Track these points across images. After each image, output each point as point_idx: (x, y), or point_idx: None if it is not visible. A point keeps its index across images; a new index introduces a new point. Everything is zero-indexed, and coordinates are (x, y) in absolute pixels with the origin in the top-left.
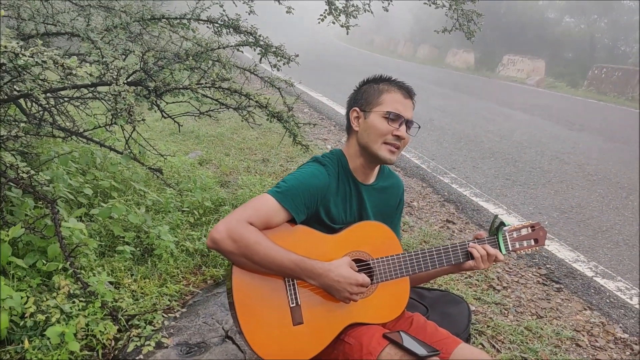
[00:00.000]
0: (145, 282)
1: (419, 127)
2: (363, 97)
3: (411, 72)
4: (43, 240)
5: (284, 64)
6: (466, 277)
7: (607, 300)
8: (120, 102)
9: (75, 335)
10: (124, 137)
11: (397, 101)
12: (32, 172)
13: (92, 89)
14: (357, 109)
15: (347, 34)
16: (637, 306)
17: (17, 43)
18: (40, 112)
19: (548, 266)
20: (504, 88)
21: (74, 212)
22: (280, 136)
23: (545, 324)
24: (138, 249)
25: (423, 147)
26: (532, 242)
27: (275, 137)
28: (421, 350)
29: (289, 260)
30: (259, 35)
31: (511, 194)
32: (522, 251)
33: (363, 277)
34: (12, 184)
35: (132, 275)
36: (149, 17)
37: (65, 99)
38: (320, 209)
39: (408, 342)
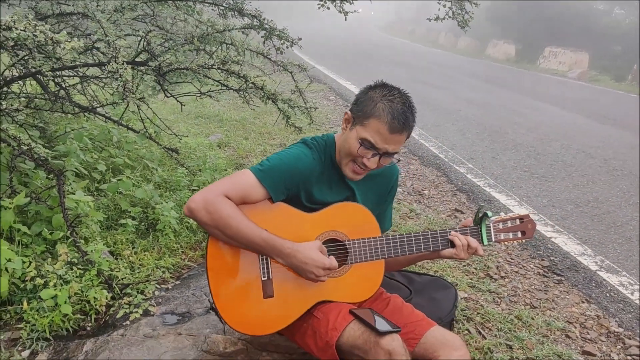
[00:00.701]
0: (144, 255)
1: (399, 160)
2: (361, 105)
3: (446, 62)
4: (50, 210)
5: (287, 47)
6: (464, 265)
7: (607, 295)
8: (117, 79)
9: (70, 299)
10: (140, 117)
11: (379, 132)
12: (33, 144)
13: (102, 67)
14: (349, 113)
15: (345, 20)
16: (637, 301)
17: (11, 17)
18: (57, 90)
19: (552, 258)
20: (541, 81)
21: (78, 184)
22: (301, 123)
23: (538, 314)
24: (143, 223)
25: (444, 137)
26: (519, 234)
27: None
28: (382, 327)
29: (259, 237)
30: (263, 19)
31: (527, 185)
32: (507, 242)
33: (330, 261)
34: (24, 156)
35: (133, 247)
36: None
37: (87, 77)
38: (301, 192)
39: (376, 318)
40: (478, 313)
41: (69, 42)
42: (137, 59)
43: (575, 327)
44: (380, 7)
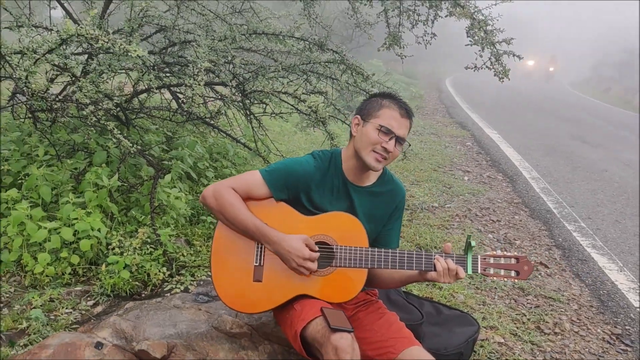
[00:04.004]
0: None
1: (410, 145)
2: (366, 107)
3: (625, 122)
4: (145, 198)
5: (362, 80)
6: (517, 313)
7: None
8: (192, 92)
9: (131, 268)
10: (253, 137)
11: (392, 118)
12: (122, 138)
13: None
14: (358, 116)
15: (402, 62)
16: None
17: (98, 31)
18: (183, 103)
19: (628, 327)
20: None
21: (164, 179)
22: (426, 162)
23: None
24: None
25: (569, 194)
26: (513, 273)
27: (416, 163)
28: (336, 324)
29: (252, 224)
30: (344, 55)
31: None
32: (497, 278)
33: (310, 253)
34: (140, 154)
35: (207, 240)
36: (252, 32)
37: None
38: (301, 194)
39: (337, 318)
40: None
41: (135, 50)
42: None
43: None
44: (574, 63)
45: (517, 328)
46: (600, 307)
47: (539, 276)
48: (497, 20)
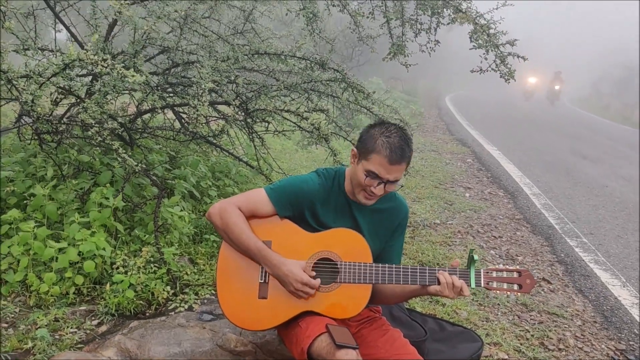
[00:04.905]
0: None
1: (402, 185)
2: (363, 142)
3: (625, 138)
4: (149, 217)
5: (362, 98)
6: (520, 330)
7: None
8: (195, 112)
9: (136, 287)
10: (255, 156)
11: (381, 164)
12: (127, 157)
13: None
14: (355, 150)
15: (407, 71)
16: None
17: (96, 56)
18: (186, 123)
19: (632, 343)
20: None
21: (171, 200)
22: (427, 179)
23: None
24: None
25: (570, 209)
26: (515, 287)
27: (417, 180)
28: (341, 341)
29: (254, 246)
30: (345, 73)
31: None
32: (499, 292)
33: (309, 279)
34: (144, 173)
35: (210, 259)
36: (254, 52)
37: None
38: (305, 211)
39: (341, 335)
40: None
41: (133, 76)
42: (236, 102)
43: None
44: (575, 80)
45: (521, 344)
46: (604, 323)
47: (542, 292)
48: (500, 23)
